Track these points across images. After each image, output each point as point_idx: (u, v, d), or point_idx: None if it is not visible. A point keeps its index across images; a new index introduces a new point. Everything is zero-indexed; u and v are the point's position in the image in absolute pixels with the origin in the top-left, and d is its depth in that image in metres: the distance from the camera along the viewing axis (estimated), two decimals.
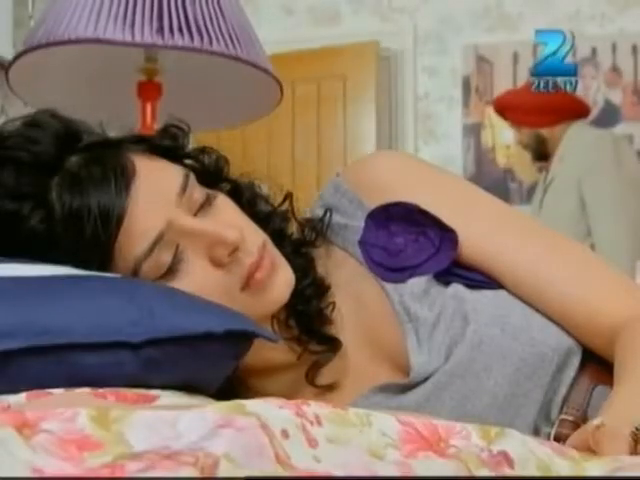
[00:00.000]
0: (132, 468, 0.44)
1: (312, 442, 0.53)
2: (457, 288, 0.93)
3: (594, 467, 0.56)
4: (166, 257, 0.85)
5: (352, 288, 0.98)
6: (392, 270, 0.95)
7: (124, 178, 0.84)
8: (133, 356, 0.74)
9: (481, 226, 0.96)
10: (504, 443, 0.58)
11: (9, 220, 0.84)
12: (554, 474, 0.56)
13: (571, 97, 3.09)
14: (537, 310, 0.93)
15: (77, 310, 0.75)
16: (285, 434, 0.53)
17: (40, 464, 0.45)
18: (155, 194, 0.86)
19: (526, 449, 0.57)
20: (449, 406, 0.90)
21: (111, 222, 0.83)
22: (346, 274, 0.98)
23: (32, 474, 0.45)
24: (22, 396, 0.69)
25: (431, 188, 0.98)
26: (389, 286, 0.95)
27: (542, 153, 3.20)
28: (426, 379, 0.91)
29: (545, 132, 3.15)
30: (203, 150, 0.98)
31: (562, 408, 0.90)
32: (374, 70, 3.69)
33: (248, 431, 0.50)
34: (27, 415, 0.49)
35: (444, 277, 0.94)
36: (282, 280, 0.90)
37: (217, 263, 0.87)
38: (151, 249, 0.84)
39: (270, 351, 0.93)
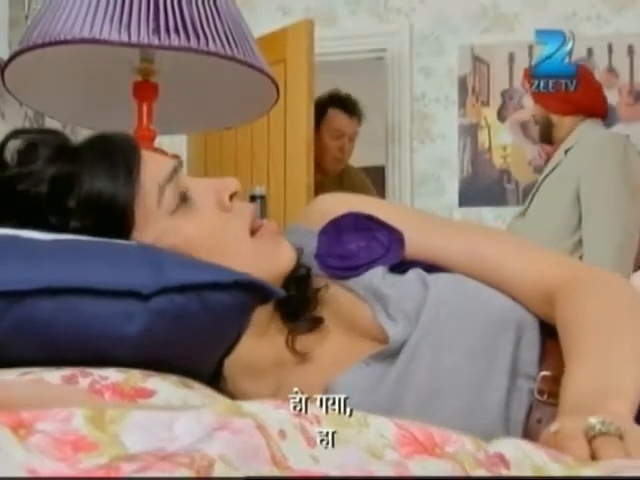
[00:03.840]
0: (127, 469, 0.44)
1: (311, 442, 0.53)
2: (416, 270, 1.01)
3: (590, 472, 0.56)
4: (183, 186, 0.95)
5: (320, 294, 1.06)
6: (349, 269, 1.03)
7: (134, 143, 0.96)
8: (142, 307, 0.76)
9: (421, 228, 1.06)
10: (499, 446, 0.58)
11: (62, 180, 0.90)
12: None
13: (594, 94, 3.09)
14: None
15: (90, 267, 0.78)
16: (282, 434, 0.53)
17: (35, 465, 0.45)
18: (158, 157, 0.98)
19: (521, 452, 0.57)
20: (425, 367, 0.96)
21: (135, 156, 0.93)
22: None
23: (27, 475, 0.44)
24: (16, 372, 0.71)
25: (372, 207, 1.08)
26: (350, 282, 1.03)
27: (547, 136, 3.20)
28: (403, 346, 0.97)
29: (555, 118, 3.14)
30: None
31: (540, 367, 0.96)
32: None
33: (244, 433, 0.50)
34: (23, 415, 0.49)
35: (400, 267, 1.02)
36: (288, 245, 1.01)
37: (222, 206, 0.97)
38: (174, 172, 0.94)
39: (259, 343, 1.02)
